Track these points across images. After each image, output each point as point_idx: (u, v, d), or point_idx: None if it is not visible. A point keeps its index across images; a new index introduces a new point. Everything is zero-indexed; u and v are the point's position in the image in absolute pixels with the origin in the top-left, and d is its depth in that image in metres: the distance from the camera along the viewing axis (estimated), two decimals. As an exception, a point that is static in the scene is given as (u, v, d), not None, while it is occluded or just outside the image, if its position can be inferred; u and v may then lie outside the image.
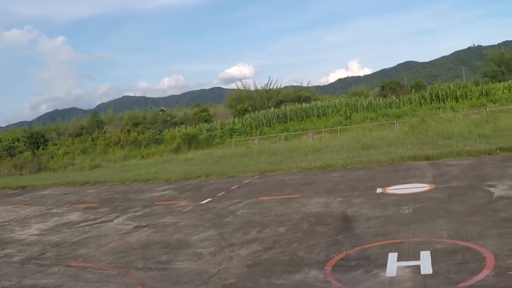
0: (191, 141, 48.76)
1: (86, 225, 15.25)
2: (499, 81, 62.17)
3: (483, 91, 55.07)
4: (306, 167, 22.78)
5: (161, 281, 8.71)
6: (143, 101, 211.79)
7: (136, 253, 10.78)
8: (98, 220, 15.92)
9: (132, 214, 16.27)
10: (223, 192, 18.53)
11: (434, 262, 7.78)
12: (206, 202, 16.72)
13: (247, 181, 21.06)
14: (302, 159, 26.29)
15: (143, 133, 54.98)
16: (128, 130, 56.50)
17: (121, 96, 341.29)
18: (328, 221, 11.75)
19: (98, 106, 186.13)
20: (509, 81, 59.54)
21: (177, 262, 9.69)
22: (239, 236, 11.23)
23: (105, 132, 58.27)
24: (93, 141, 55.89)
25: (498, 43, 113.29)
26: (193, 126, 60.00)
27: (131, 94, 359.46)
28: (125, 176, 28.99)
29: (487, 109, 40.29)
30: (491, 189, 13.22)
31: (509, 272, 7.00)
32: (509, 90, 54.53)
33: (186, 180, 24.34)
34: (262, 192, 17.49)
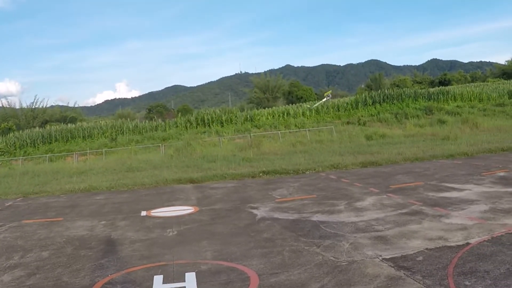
0: (-49, 162, 45.23)
1: None
2: (264, 107, 67.13)
3: (248, 116, 58.97)
4: (70, 190, 22.24)
5: None
6: None
7: None
8: None
9: None
10: (-16, 216, 17.24)
11: (199, 283, 8.11)
12: (-35, 227, 15.41)
13: (9, 203, 19.87)
14: (66, 181, 25.61)
15: None
16: None
17: None
18: (93, 244, 11.59)
19: None
20: (273, 107, 64.56)
21: None
22: (1, 261, 10.56)
23: None
24: None
25: (264, 71, 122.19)
26: (-46, 145, 56.04)
27: None
28: None
29: (251, 134, 43.22)
30: (254, 211, 14.23)
31: None
32: (272, 116, 59.08)
33: None
34: (25, 215, 16.68)
